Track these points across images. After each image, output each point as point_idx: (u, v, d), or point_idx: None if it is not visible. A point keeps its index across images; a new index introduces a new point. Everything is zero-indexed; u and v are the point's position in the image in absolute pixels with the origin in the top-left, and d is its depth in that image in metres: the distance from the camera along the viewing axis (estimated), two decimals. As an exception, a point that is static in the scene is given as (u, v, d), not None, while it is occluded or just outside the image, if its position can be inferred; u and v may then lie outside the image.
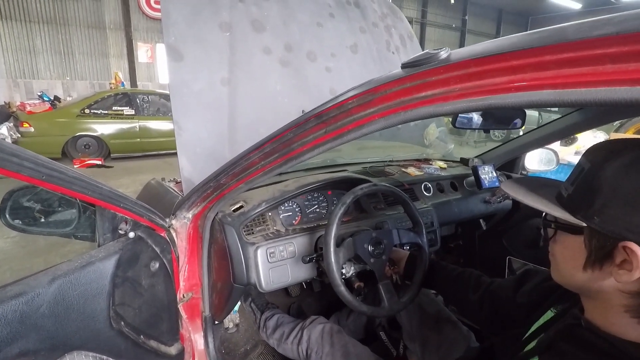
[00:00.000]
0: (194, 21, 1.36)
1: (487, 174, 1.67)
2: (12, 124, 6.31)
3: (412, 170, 1.64)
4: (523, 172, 1.93)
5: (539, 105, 0.43)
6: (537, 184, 0.62)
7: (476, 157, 1.89)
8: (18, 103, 7.33)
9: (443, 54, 0.50)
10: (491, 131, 9.84)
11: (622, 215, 0.45)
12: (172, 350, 1.04)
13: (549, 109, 9.30)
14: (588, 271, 0.50)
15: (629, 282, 0.46)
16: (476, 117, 1.06)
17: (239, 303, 1.50)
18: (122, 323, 0.87)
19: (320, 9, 1.63)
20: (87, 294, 0.77)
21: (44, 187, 0.63)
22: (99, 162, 6.42)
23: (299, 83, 1.50)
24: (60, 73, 9.52)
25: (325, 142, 0.68)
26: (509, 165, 1.87)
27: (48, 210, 0.87)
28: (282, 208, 1.21)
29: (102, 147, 6.63)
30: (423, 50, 0.54)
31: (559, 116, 1.58)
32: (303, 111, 0.70)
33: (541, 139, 1.68)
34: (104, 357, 0.82)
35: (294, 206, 1.24)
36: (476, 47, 0.47)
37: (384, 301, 0.99)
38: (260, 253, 1.03)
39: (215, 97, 1.33)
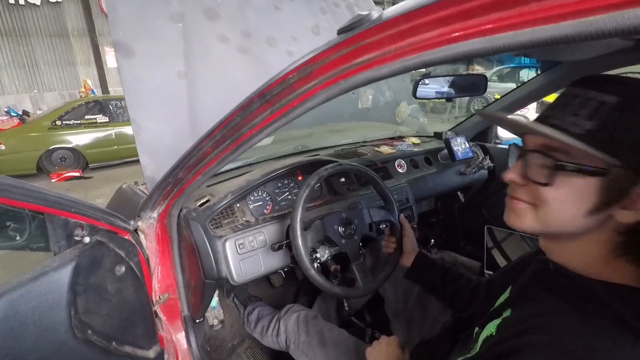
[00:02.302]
0: (143, 14, 1.30)
1: (460, 145, 1.67)
2: (-20, 143, 6.07)
3: (385, 149, 1.62)
4: (497, 140, 1.94)
5: (472, 56, 0.41)
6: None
7: (449, 130, 1.89)
8: (-16, 121, 7.05)
9: (374, 14, 0.47)
10: (472, 105, 9.95)
11: None
12: (150, 353, 1.01)
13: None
14: (591, 216, 0.46)
15: (632, 221, 0.43)
16: (436, 86, 1.04)
17: (216, 299, 1.48)
18: (90, 331, 0.83)
19: (276, -8, 1.58)
20: (43, 306, 0.73)
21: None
22: (77, 174, 6.25)
23: (261, 70, 1.46)
24: (27, 86, 9.18)
25: (272, 122, 0.65)
26: (482, 135, 1.88)
27: (-5, 224, 0.82)
28: (252, 198, 1.18)
29: (79, 159, 6.45)
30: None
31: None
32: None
33: (513, 105, 1.67)
34: (72, 368, 0.79)
35: (264, 195, 1.21)
36: (407, 3, 0.45)
37: (358, 281, 0.98)
38: (228, 245, 1.00)
39: (173, 92, 1.28)
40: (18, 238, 0.83)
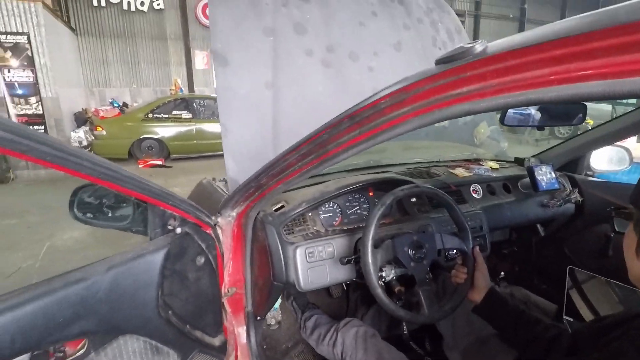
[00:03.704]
0: (239, 27, 1.42)
1: (545, 174, 1.54)
2: (87, 128, 7.03)
3: (460, 172, 1.56)
4: (588, 172, 1.76)
5: (586, 99, 0.39)
6: None
7: (533, 156, 1.76)
8: (93, 109, 8.16)
9: (478, 48, 0.47)
10: (555, 129, 9.10)
11: None
12: (216, 341, 1.09)
13: (625, 100, 8.36)
14: None
15: None
16: (532, 112, 0.98)
17: (279, 300, 1.53)
18: (170, 312, 0.93)
19: (362, 8, 1.62)
20: (138, 284, 0.83)
21: (100, 185, 0.70)
22: (160, 163, 6.92)
23: (341, 84, 1.50)
24: (128, 81, 10.44)
25: (359, 142, 0.67)
26: (572, 165, 1.72)
27: (108, 206, 0.95)
28: (323, 209, 1.22)
29: (163, 149, 7.15)
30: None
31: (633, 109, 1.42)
32: (345, 112, 0.70)
33: (610, 135, 1.51)
34: (153, 342, 0.88)
35: (335, 207, 1.24)
36: (515, 38, 0.44)
37: (423, 308, 0.95)
38: (299, 252, 1.04)
39: (260, 100, 1.37)
40: (125, 221, 0.95)
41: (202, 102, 7.53)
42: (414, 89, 0.56)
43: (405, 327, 1.31)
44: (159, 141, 7.08)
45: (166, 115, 7.17)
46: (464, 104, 0.50)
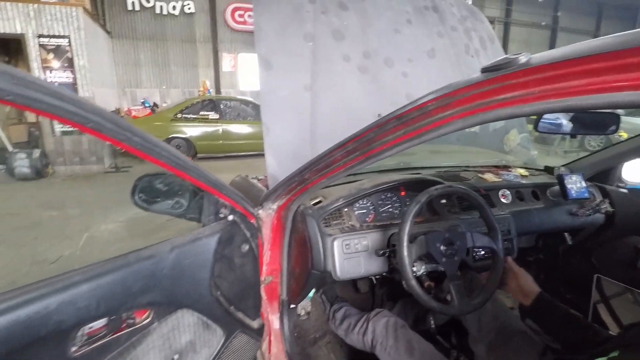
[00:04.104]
0: (282, 33, 1.51)
1: (575, 183, 1.56)
2: (121, 126, 7.35)
3: (490, 177, 1.60)
4: (619, 184, 1.76)
5: (619, 106, 0.45)
6: None
7: (563, 165, 1.77)
8: (125, 109, 8.52)
9: (522, 59, 0.53)
10: (586, 141, 8.86)
11: None
12: (255, 324, 1.18)
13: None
14: None
15: None
16: (563, 122, 1.01)
17: (313, 290, 1.61)
18: (219, 292, 1.02)
19: (398, 16, 1.69)
20: (195, 264, 0.92)
21: (172, 173, 0.79)
22: (187, 162, 7.14)
23: (376, 88, 1.57)
24: (158, 82, 10.84)
25: (404, 141, 0.74)
26: (602, 176, 1.72)
27: (167, 194, 1.06)
28: (357, 205, 1.29)
29: (191, 148, 7.38)
30: (505, 52, 0.58)
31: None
32: (379, 115, 0.76)
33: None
34: (204, 318, 0.97)
35: (369, 204, 1.31)
36: (555, 52, 0.50)
37: (454, 300, 1.01)
38: (336, 244, 1.12)
39: (299, 102, 1.46)
40: (180, 208, 1.05)
41: (228, 103, 7.76)
42: (460, 93, 0.62)
43: (432, 321, 1.36)
44: (187, 140, 7.32)
45: (194, 116, 7.42)
46: (507, 109, 0.56)
